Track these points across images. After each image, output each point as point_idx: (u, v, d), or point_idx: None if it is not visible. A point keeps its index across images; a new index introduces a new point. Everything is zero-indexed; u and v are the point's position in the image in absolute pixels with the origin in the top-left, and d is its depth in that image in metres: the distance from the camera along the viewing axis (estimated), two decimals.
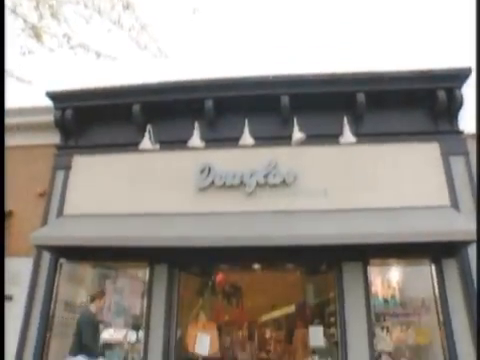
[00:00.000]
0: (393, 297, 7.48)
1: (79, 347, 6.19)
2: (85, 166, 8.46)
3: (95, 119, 8.62)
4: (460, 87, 7.81)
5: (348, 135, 7.49)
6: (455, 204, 7.39)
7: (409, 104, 8.00)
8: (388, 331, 7.24)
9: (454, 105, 7.81)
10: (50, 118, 8.69)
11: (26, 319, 7.64)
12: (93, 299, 6.60)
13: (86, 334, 6.16)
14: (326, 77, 7.95)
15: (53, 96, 8.65)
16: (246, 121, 7.55)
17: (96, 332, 6.42)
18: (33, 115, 8.92)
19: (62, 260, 7.97)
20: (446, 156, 7.72)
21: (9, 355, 7.37)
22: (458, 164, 7.66)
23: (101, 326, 6.84)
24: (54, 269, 7.90)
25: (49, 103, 8.72)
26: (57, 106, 8.64)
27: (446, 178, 7.59)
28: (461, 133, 7.86)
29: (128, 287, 7.93)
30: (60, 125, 8.65)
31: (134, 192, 7.99)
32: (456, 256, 7.12)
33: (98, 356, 6.30)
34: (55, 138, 8.80)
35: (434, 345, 7.03)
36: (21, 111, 8.82)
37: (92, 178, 8.31)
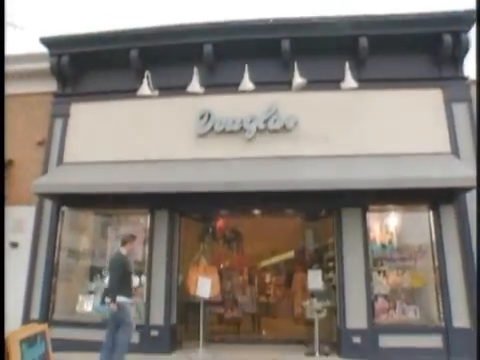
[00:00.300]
0: (390, 242, 7.65)
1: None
2: (83, 113, 8.37)
3: (92, 66, 8.44)
4: (467, 31, 7.59)
5: (349, 80, 7.32)
6: (456, 151, 7.38)
7: (413, 49, 7.81)
8: (385, 275, 7.46)
9: (459, 50, 7.63)
10: (46, 65, 8.51)
11: (32, 265, 7.86)
12: (124, 242, 6.60)
13: (117, 276, 6.20)
14: (328, 21, 7.71)
15: (48, 42, 8.42)
16: (246, 66, 7.36)
17: (129, 273, 6.50)
18: (28, 62, 8.71)
19: (64, 208, 8.08)
20: (449, 103, 7.63)
21: (18, 299, 7.64)
22: (461, 111, 7.59)
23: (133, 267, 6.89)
24: (56, 217, 8.03)
25: (44, 49, 8.50)
26: (52, 52, 8.44)
27: (448, 125, 7.54)
28: (465, 79, 7.71)
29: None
30: (56, 72, 8.49)
31: (133, 139, 7.95)
32: (454, 202, 7.20)
33: (132, 296, 6.41)
34: (52, 85, 8.64)
35: (428, 288, 7.28)
36: (16, 58, 8.59)
37: (91, 125, 8.25)
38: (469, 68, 7.75)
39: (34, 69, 8.73)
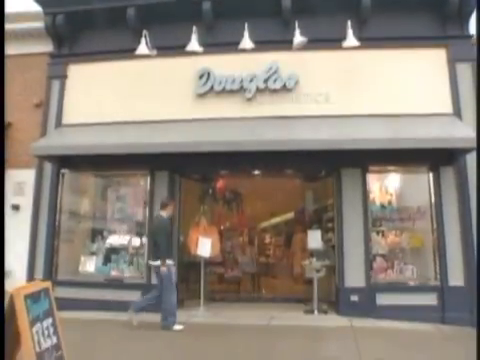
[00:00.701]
0: (390, 203, 7.68)
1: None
2: (81, 74, 8.24)
3: (88, 25, 8.17)
4: None
5: (351, 39, 7.09)
6: (458, 112, 7.29)
7: (417, 6, 7.54)
8: (383, 235, 7.54)
9: (465, 7, 7.38)
10: (41, 24, 8.30)
11: (34, 228, 7.95)
12: (164, 206, 6.60)
13: (161, 239, 6.25)
14: None
15: (42, 0, 8.17)
16: (246, 24, 7.15)
17: (171, 236, 6.56)
18: (23, 21, 8.49)
19: (64, 170, 8.08)
20: (453, 63, 7.48)
21: (22, 261, 7.80)
22: (464, 71, 7.45)
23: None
24: (56, 179, 8.05)
25: (39, 8, 8.26)
26: (47, 11, 8.20)
27: (451, 85, 7.41)
28: (470, 37, 7.52)
29: (130, 195, 8.09)
30: (52, 32, 8.29)
31: (132, 99, 7.85)
32: (454, 164, 7.19)
33: (173, 258, 6.52)
34: (48, 46, 8.46)
35: (426, 248, 7.37)
36: (10, 17, 8.30)
37: (89, 86, 8.13)
38: (475, 26, 7.57)
39: (29, 29, 8.55)
